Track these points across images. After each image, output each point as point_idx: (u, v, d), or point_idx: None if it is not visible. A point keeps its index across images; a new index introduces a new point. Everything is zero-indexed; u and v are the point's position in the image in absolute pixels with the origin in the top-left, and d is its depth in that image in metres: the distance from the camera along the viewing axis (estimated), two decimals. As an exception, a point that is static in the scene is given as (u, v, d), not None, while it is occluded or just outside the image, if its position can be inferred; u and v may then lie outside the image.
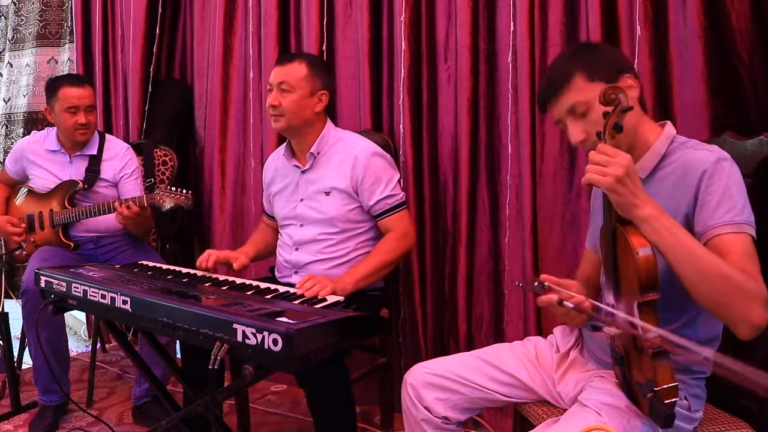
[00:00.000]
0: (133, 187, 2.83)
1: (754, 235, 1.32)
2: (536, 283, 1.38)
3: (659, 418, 1.22)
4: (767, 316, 1.22)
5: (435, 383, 1.63)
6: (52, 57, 4.02)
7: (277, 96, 2.13)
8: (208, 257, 2.16)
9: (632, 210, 1.26)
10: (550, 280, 1.39)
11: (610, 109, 1.30)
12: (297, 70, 2.14)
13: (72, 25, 3.86)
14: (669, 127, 1.49)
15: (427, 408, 1.62)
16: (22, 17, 4.07)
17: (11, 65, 4.13)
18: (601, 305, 1.35)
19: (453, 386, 1.62)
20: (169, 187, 2.52)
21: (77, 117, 2.69)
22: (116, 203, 2.55)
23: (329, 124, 2.26)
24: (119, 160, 2.84)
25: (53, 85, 2.74)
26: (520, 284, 1.51)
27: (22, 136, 3.96)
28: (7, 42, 4.13)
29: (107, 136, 2.91)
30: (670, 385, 1.22)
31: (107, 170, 2.81)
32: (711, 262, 1.23)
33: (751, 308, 1.22)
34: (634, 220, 1.27)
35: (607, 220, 1.35)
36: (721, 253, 1.26)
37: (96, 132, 2.83)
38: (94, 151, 2.80)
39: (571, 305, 1.34)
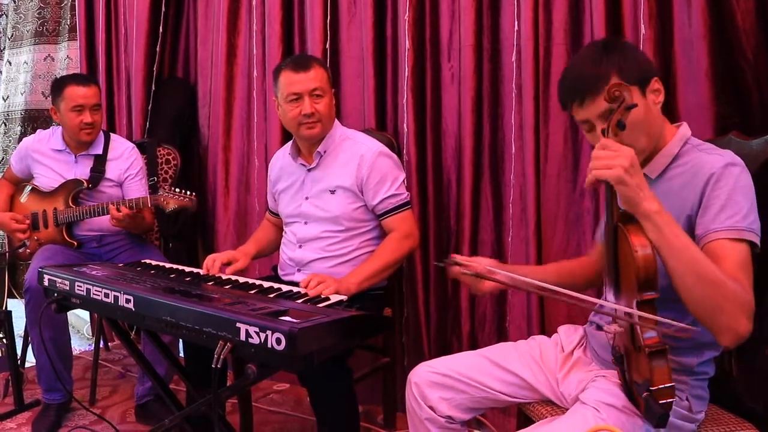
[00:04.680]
0: (137, 188, 2.83)
1: (758, 242, 1.31)
2: (448, 260, 1.63)
3: (653, 418, 1.23)
4: (750, 327, 1.24)
5: (440, 382, 1.63)
6: (49, 54, 4.02)
7: (312, 103, 2.12)
8: (213, 263, 2.14)
9: (639, 203, 1.25)
10: (459, 258, 1.62)
11: (614, 105, 1.29)
12: (322, 74, 2.15)
13: (70, 22, 3.86)
14: (684, 128, 1.49)
15: (431, 407, 1.62)
16: (21, 15, 4.07)
17: (10, 63, 4.13)
18: (501, 272, 1.54)
19: (458, 386, 1.62)
20: (173, 188, 2.52)
21: (83, 116, 2.69)
22: (109, 205, 2.56)
23: (336, 122, 2.26)
24: (124, 160, 2.84)
25: (59, 85, 2.74)
26: (439, 263, 1.72)
27: (20, 134, 3.96)
28: (7, 40, 4.13)
29: (112, 135, 2.91)
30: (666, 385, 1.22)
31: (112, 170, 2.81)
32: (707, 266, 1.23)
33: (739, 318, 1.23)
34: (639, 215, 1.26)
35: (609, 218, 1.34)
36: (716, 259, 1.26)
37: (101, 131, 2.83)
38: (100, 151, 2.80)
39: (468, 272, 1.58)
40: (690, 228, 1.35)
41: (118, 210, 2.52)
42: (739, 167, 1.35)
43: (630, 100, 1.30)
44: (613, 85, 1.30)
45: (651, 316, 1.23)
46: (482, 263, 1.61)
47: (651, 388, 1.22)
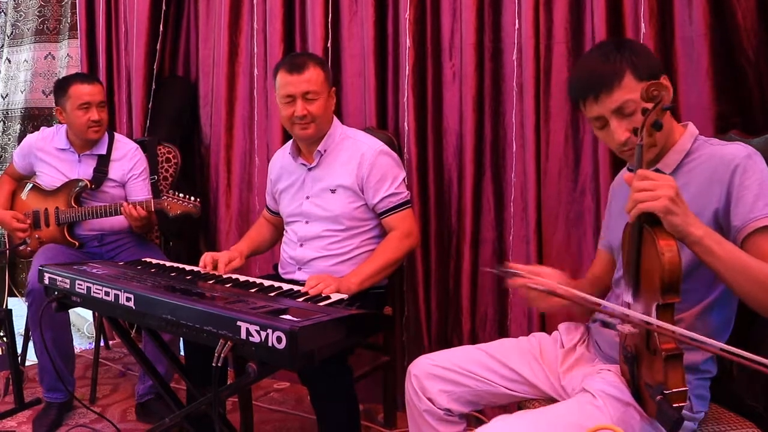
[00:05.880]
0: (140, 188, 2.83)
1: None
2: (507, 270, 1.49)
3: (667, 423, 1.20)
4: None
5: (439, 375, 1.63)
6: (50, 52, 4.02)
7: (305, 105, 2.12)
8: (211, 261, 2.13)
9: (687, 230, 1.23)
10: (519, 267, 1.48)
11: (649, 105, 1.28)
12: (316, 75, 2.13)
13: (71, 20, 3.86)
14: (692, 127, 1.50)
15: (430, 399, 1.62)
16: (21, 13, 4.07)
17: (9, 61, 4.13)
18: (577, 293, 1.37)
19: (457, 378, 1.62)
20: (177, 193, 2.52)
21: (90, 113, 2.69)
22: (125, 204, 2.57)
23: (336, 121, 2.26)
24: (128, 160, 2.84)
25: (63, 84, 2.74)
26: (495, 270, 1.58)
27: (19, 132, 3.96)
28: (6, 38, 4.13)
29: (116, 135, 2.90)
30: (680, 389, 1.20)
31: (116, 170, 2.81)
32: (762, 270, 1.23)
33: None
34: (687, 242, 1.24)
35: (634, 220, 1.32)
36: (766, 252, 1.27)
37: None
38: (104, 151, 2.80)
39: (542, 288, 1.43)
40: (716, 220, 1.36)
41: (136, 209, 2.54)
42: (759, 156, 1.37)
43: (668, 100, 1.29)
44: (651, 84, 1.28)
45: (670, 326, 1.20)
46: (544, 274, 1.49)
47: (665, 392, 1.20)
